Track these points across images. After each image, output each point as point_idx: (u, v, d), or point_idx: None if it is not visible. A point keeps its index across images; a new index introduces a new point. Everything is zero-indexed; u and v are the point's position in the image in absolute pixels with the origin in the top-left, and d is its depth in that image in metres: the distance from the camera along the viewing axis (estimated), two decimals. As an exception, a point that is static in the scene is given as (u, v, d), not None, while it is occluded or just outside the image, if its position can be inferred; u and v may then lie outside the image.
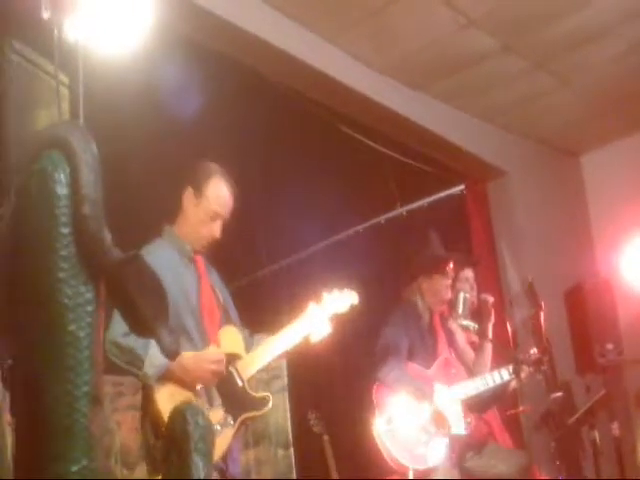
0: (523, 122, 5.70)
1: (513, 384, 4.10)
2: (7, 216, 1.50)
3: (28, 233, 1.44)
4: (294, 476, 5.94)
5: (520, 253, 5.62)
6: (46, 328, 1.41)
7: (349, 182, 5.55)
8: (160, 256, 3.10)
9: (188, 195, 3.27)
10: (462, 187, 5.89)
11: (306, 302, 3.40)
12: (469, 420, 3.95)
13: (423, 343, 4.14)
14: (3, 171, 1.84)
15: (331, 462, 5.52)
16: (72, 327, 1.40)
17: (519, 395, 4.18)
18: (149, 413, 2.99)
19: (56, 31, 2.03)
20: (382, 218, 6.07)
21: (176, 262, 3.24)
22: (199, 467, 1.51)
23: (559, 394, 4.00)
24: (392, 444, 3.87)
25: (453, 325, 4.31)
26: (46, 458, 1.38)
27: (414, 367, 4.06)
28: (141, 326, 1.48)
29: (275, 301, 6.22)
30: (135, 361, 2.94)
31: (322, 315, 3.36)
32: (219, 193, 3.26)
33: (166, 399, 2.95)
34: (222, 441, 3.02)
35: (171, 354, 1.53)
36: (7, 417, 1.61)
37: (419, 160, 5.54)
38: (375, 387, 4.03)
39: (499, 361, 4.17)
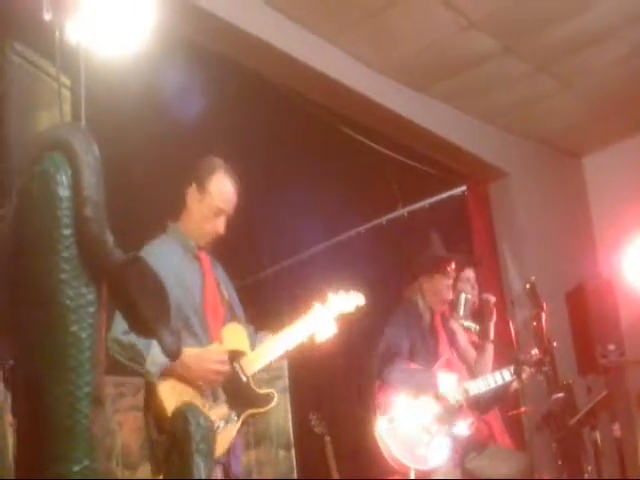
0: (524, 124, 5.70)
1: (514, 385, 4.10)
2: (9, 217, 1.50)
3: (30, 235, 1.44)
4: (295, 477, 5.94)
5: (521, 254, 5.62)
6: (48, 329, 1.41)
7: (350, 183, 5.55)
8: (164, 252, 3.11)
9: (192, 191, 3.25)
10: (463, 188, 5.90)
11: (308, 303, 3.38)
12: (471, 421, 3.96)
13: (424, 343, 4.15)
14: (5, 173, 1.85)
15: (332, 463, 5.52)
16: (74, 328, 1.41)
17: (520, 396, 4.17)
18: (152, 408, 2.97)
19: (58, 33, 2.03)
20: (384, 219, 6.08)
21: (180, 258, 3.22)
22: (200, 468, 1.52)
23: (560, 395, 3.99)
24: (394, 444, 3.87)
25: (454, 325, 4.31)
26: (47, 458, 1.39)
27: (415, 367, 4.06)
28: (143, 327, 1.49)
29: (276, 302, 6.24)
30: (137, 357, 2.93)
31: (327, 315, 3.33)
32: (222, 189, 3.23)
33: (169, 393, 2.94)
34: (226, 437, 3.00)
35: (172, 355, 1.53)
36: (9, 418, 1.62)
37: (421, 161, 5.54)
38: (377, 387, 4.04)
39: (500, 362, 4.17)
